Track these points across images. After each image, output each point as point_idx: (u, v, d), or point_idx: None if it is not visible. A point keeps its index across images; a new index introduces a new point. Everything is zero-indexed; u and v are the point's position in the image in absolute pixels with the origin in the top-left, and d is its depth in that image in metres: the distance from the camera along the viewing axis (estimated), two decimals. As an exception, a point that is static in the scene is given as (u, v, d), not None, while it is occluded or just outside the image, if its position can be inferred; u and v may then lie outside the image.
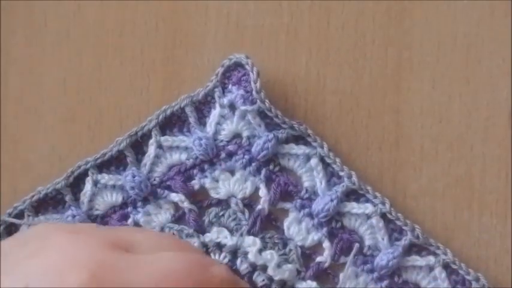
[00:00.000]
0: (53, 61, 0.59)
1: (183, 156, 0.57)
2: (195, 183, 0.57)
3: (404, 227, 0.56)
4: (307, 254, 0.57)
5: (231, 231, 0.56)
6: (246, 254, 0.56)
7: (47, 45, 0.59)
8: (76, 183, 0.57)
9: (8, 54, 0.59)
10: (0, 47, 0.59)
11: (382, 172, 0.58)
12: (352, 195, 0.57)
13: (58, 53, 0.59)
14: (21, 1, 0.59)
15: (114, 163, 0.57)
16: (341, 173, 0.56)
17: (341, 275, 0.55)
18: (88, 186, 0.57)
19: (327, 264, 0.56)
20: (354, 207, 0.56)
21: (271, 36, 0.59)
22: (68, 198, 0.56)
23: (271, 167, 0.57)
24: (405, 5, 0.58)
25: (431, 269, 0.56)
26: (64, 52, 0.59)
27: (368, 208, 0.56)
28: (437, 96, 0.58)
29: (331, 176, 0.57)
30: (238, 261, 0.56)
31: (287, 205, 0.57)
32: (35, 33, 0.59)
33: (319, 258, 0.56)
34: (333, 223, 0.57)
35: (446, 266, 0.56)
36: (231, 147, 0.57)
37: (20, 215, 0.56)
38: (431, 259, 0.56)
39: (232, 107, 0.57)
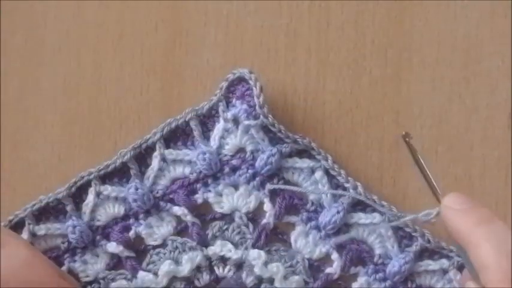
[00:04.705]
0: (53, 61, 0.59)
1: (187, 170, 0.57)
2: (198, 197, 0.57)
3: (414, 233, 0.56)
4: (316, 266, 0.57)
5: (236, 245, 0.56)
6: (251, 267, 0.56)
7: (47, 45, 0.59)
8: (78, 194, 0.57)
9: (8, 54, 0.59)
10: (0, 47, 0.59)
11: (382, 172, 0.58)
12: (359, 205, 0.57)
13: (58, 53, 0.59)
14: (21, 1, 0.59)
15: (118, 175, 0.57)
16: (346, 185, 0.56)
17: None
18: (90, 197, 0.56)
19: (336, 276, 0.56)
20: (361, 217, 0.56)
21: (271, 36, 0.59)
22: (69, 208, 0.56)
23: (275, 181, 0.57)
24: (405, 5, 0.58)
25: (445, 272, 0.56)
26: (64, 52, 0.59)
27: (376, 217, 0.56)
28: (437, 97, 0.58)
29: (337, 188, 0.57)
30: (244, 274, 0.56)
31: (293, 218, 0.57)
32: (35, 33, 0.59)
33: (328, 270, 0.56)
34: (341, 234, 0.57)
35: (461, 268, 0.56)
36: (234, 162, 0.57)
37: (20, 223, 0.56)
38: (444, 262, 0.56)
39: (236, 121, 0.56)
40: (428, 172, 0.50)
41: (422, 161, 0.50)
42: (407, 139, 0.50)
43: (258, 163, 0.56)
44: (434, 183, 0.49)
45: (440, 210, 0.48)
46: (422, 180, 0.50)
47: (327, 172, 0.57)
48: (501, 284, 0.41)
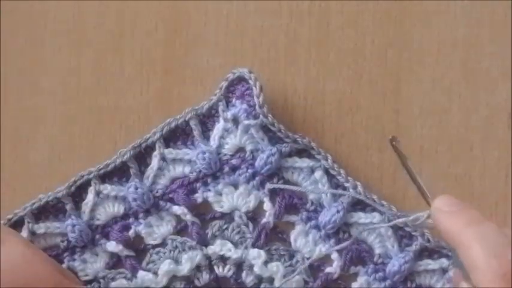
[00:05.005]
0: (53, 61, 0.59)
1: (187, 169, 0.57)
2: (198, 197, 0.57)
3: (413, 233, 0.56)
4: (316, 265, 0.57)
5: (235, 244, 0.56)
6: (251, 266, 0.56)
7: (47, 45, 0.59)
8: (78, 193, 0.57)
9: (8, 54, 0.59)
10: (0, 47, 0.59)
11: (382, 172, 0.58)
12: (358, 205, 0.57)
13: (58, 53, 0.59)
14: (21, 1, 0.59)
15: (117, 174, 0.57)
16: (346, 184, 0.56)
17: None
18: (90, 196, 0.56)
19: (336, 275, 0.56)
20: (361, 217, 0.56)
21: (271, 36, 0.59)
22: (68, 207, 0.56)
23: (275, 180, 0.57)
24: (405, 5, 0.58)
25: (444, 271, 0.56)
26: (64, 52, 0.59)
27: (375, 217, 0.56)
28: (437, 97, 0.58)
29: (336, 187, 0.57)
30: (244, 273, 0.56)
31: (293, 218, 0.57)
32: (35, 33, 0.59)
33: (328, 269, 0.56)
34: (341, 234, 0.57)
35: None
36: (234, 161, 0.57)
37: (20, 221, 0.56)
38: (444, 261, 0.56)
39: (235, 121, 0.56)
40: (416, 175, 0.50)
41: (409, 165, 0.50)
42: (393, 143, 0.51)
43: (258, 162, 0.56)
44: (423, 186, 0.50)
45: (431, 213, 0.48)
46: (412, 184, 0.50)
47: (326, 172, 0.57)
48: (491, 284, 0.42)
